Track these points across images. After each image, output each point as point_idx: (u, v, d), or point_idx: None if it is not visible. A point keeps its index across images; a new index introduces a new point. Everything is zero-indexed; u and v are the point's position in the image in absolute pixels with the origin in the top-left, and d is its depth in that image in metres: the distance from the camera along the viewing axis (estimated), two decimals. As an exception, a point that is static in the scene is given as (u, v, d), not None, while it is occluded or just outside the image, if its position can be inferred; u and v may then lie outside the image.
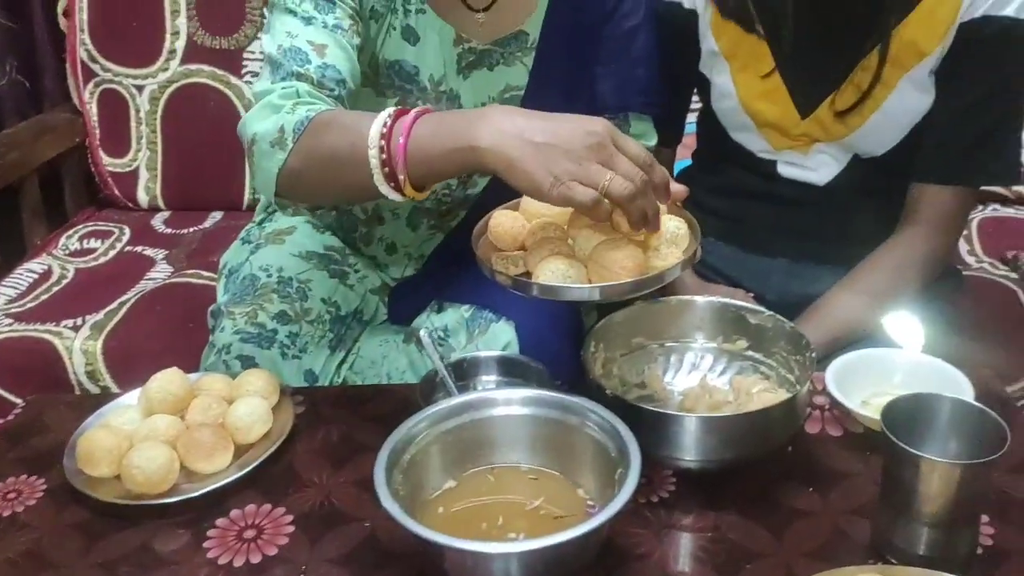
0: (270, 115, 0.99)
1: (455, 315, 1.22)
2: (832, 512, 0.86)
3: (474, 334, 1.18)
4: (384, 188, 0.90)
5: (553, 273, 0.85)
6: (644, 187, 0.82)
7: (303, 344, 1.20)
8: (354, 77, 1.09)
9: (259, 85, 1.05)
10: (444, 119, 0.89)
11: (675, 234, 0.90)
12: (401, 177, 0.89)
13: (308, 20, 1.07)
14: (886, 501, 0.79)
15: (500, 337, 1.16)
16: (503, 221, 0.94)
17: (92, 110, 1.94)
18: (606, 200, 0.82)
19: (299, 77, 1.04)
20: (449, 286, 1.27)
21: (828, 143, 1.21)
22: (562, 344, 1.17)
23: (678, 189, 0.98)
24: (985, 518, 0.82)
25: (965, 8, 1.10)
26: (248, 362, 1.15)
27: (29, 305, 1.59)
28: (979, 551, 0.79)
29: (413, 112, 0.90)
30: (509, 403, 0.86)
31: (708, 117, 1.33)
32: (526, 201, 0.96)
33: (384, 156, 0.88)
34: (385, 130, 0.89)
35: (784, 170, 1.26)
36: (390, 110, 0.91)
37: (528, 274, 0.89)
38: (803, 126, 1.21)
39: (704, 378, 1.02)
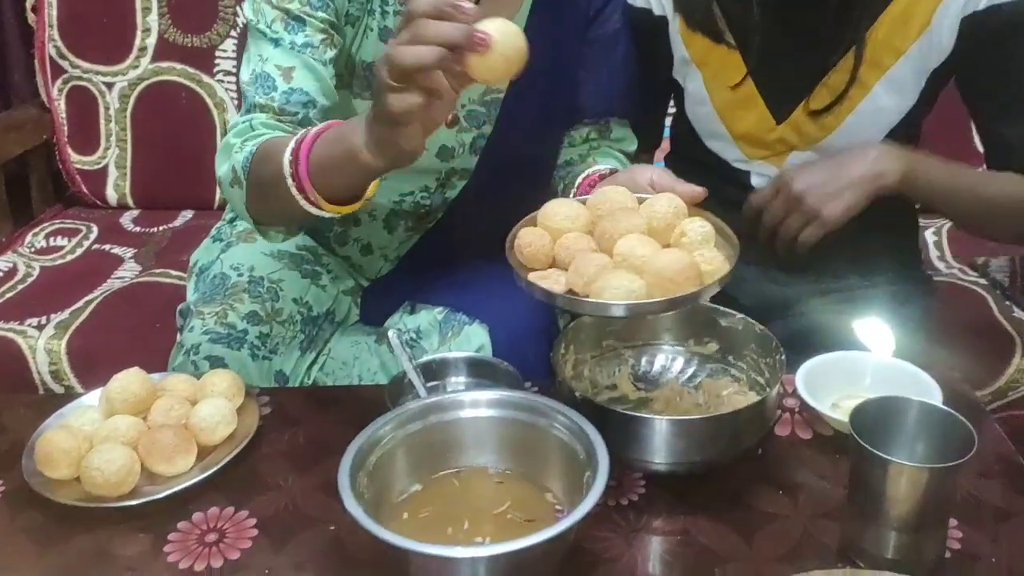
0: (227, 156, 1.03)
1: (428, 317, 1.21)
2: (801, 515, 0.85)
3: (447, 336, 1.17)
4: (313, 210, 0.93)
5: (617, 289, 0.83)
6: (413, 33, 0.75)
7: (274, 345, 1.18)
8: (326, 94, 1.09)
9: (232, 120, 1.10)
10: (338, 133, 0.90)
11: (701, 234, 0.90)
12: (312, 197, 0.92)
13: (276, 42, 1.08)
14: (854, 504, 0.79)
15: (473, 339, 1.15)
16: (532, 240, 0.91)
17: (60, 107, 1.91)
18: (421, 89, 0.77)
19: (261, 108, 1.07)
20: (422, 287, 1.26)
21: (804, 149, 1.21)
22: (536, 347, 1.16)
23: (698, 191, 1.00)
24: (953, 522, 0.81)
25: (964, 3, 1.09)
26: (217, 362, 1.14)
27: (-8, 303, 1.56)
28: (947, 555, 0.79)
29: (314, 131, 0.92)
30: (477, 405, 0.84)
31: (682, 123, 1.32)
32: (544, 215, 0.94)
33: (296, 183, 0.92)
34: (292, 157, 0.92)
35: (757, 181, 1.25)
36: (299, 134, 0.94)
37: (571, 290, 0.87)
38: (779, 131, 1.21)
39: (675, 381, 1.01)
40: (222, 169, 1.04)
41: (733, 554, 0.81)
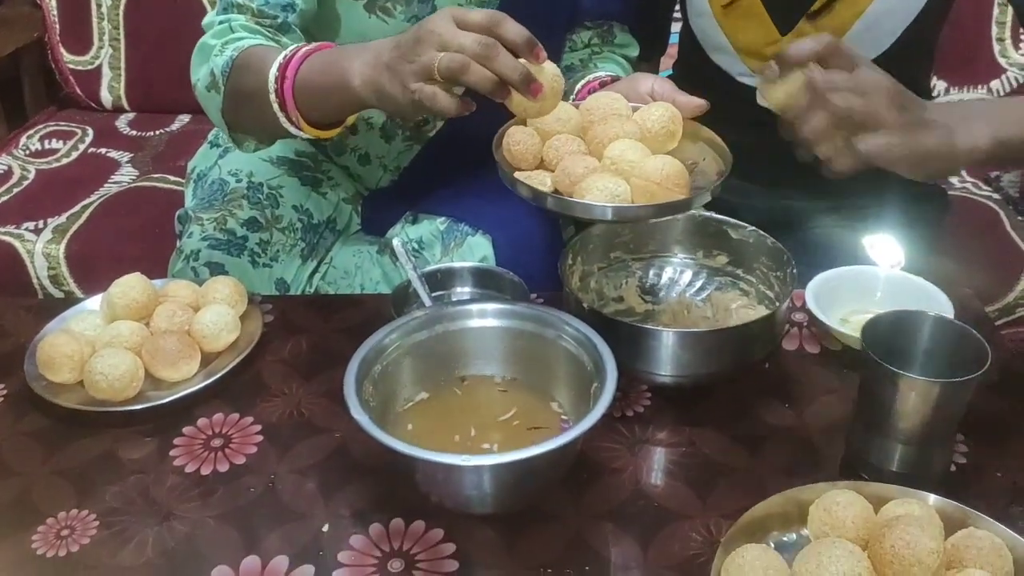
0: (205, 58, 1.01)
1: (430, 227, 1.19)
2: (807, 429, 0.85)
3: (449, 247, 1.16)
4: (292, 129, 0.93)
5: (601, 191, 0.81)
6: (484, 49, 0.77)
7: (274, 252, 1.17)
8: None
9: (206, 18, 1.05)
10: (330, 58, 0.89)
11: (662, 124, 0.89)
12: (293, 117, 0.91)
13: None
14: (862, 418, 0.79)
15: (476, 250, 1.13)
16: (521, 139, 0.89)
17: (51, 3, 1.86)
18: (458, 87, 0.79)
19: (239, 8, 1.04)
20: (424, 198, 1.24)
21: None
22: (539, 258, 1.15)
23: (698, 103, 0.96)
24: (959, 436, 0.81)
25: None
26: (217, 269, 1.12)
27: (-12, 206, 1.54)
28: (952, 468, 0.79)
29: (303, 51, 0.90)
30: (484, 315, 0.83)
31: (687, 34, 1.27)
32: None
33: (279, 99, 0.90)
34: (278, 71, 0.90)
35: (762, 99, 1.21)
36: (288, 50, 0.92)
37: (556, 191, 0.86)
38: (783, 44, 1.16)
39: (682, 293, 1.00)
40: (199, 72, 1.01)
41: (737, 466, 0.81)
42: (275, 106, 0.91)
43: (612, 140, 0.87)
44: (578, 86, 1.17)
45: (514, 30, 0.79)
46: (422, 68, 0.78)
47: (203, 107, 1.03)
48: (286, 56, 0.91)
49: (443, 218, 1.19)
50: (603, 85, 1.13)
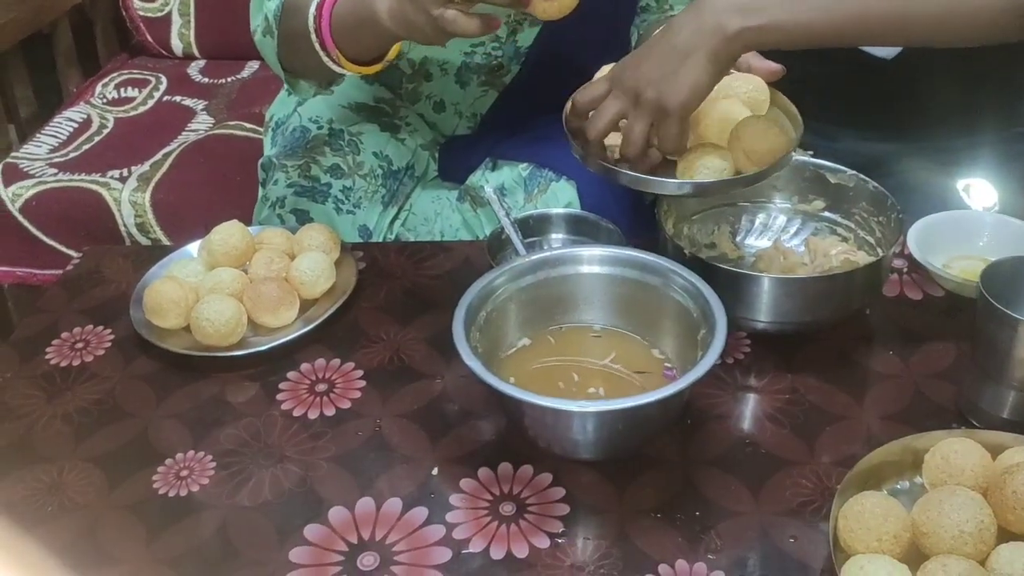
0: (259, 5, 1.02)
1: (512, 173, 1.18)
2: (913, 375, 0.84)
3: (533, 193, 1.15)
4: (335, 67, 0.94)
5: (709, 169, 0.84)
6: None
7: (357, 199, 1.17)
8: None
9: None
10: None
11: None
12: (334, 54, 0.93)
13: None
14: (975, 364, 0.77)
15: (560, 196, 1.12)
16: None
17: (121, -50, 1.85)
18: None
19: None
20: (504, 143, 1.23)
21: None
22: (623, 203, 1.13)
23: (774, 67, 0.94)
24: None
25: None
26: (302, 216, 1.13)
27: (72, 155, 1.56)
28: (1067, 417, 0.78)
29: None
30: (590, 261, 0.83)
31: None
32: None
33: (319, 38, 0.92)
34: (315, 12, 0.92)
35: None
36: None
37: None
38: None
39: (777, 239, 0.99)
40: (256, 19, 1.03)
41: (843, 413, 0.81)
42: (316, 45, 0.93)
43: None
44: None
45: None
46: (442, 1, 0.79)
47: (261, 53, 1.05)
48: None
49: (525, 164, 1.18)
50: None
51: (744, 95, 0.91)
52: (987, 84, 1.17)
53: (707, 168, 0.84)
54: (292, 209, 1.14)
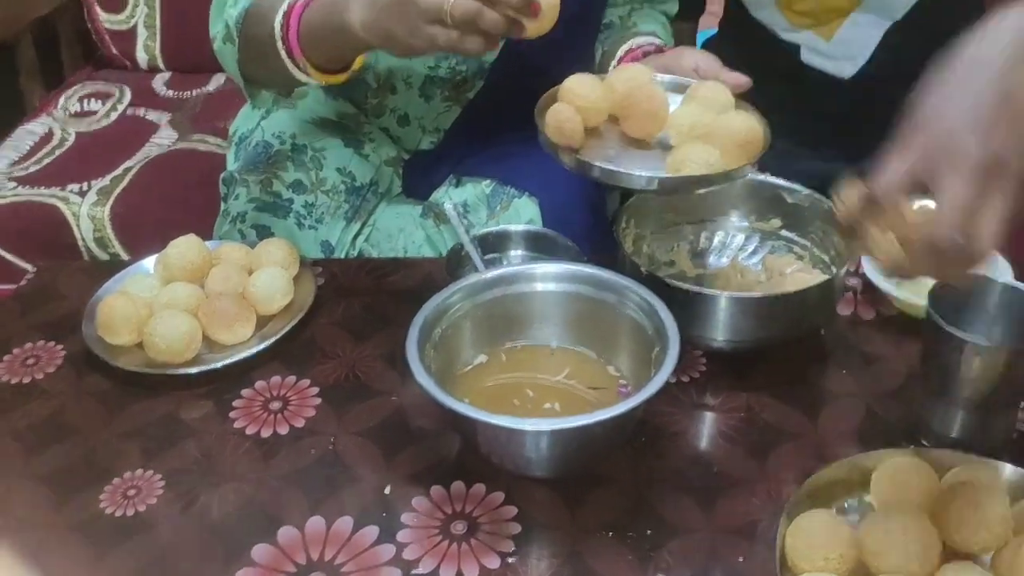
0: (220, 12, 1.02)
1: (475, 190, 1.18)
2: (865, 394, 0.85)
3: (496, 210, 1.15)
4: (299, 75, 0.94)
5: (696, 162, 0.81)
6: None
7: (319, 214, 1.17)
8: None
9: None
10: (329, 2, 0.89)
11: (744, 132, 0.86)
12: (300, 63, 0.93)
13: None
14: (924, 384, 0.78)
15: (523, 213, 1.13)
16: (570, 116, 0.87)
17: (86, -38, 1.84)
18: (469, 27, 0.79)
19: None
20: (467, 160, 1.23)
21: (855, 15, 1.13)
22: (585, 220, 1.14)
23: (740, 79, 0.96)
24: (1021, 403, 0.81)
25: None
26: (264, 231, 1.13)
27: (32, 168, 1.55)
28: (1014, 436, 0.79)
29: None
30: (546, 279, 0.83)
31: None
32: (565, 90, 0.90)
33: (285, 46, 0.92)
34: (283, 19, 0.91)
35: (808, 57, 1.18)
36: None
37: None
38: None
39: (735, 257, 0.99)
40: (216, 26, 1.03)
41: (796, 431, 0.81)
42: (282, 52, 0.92)
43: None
44: (619, 53, 1.15)
45: None
46: (431, 10, 0.78)
47: (220, 61, 1.05)
48: (290, 3, 0.92)
49: (488, 180, 1.19)
50: (646, 55, 1.11)
51: (710, 98, 0.91)
52: None
53: (694, 161, 0.81)
54: (253, 224, 1.13)
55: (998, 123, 0.57)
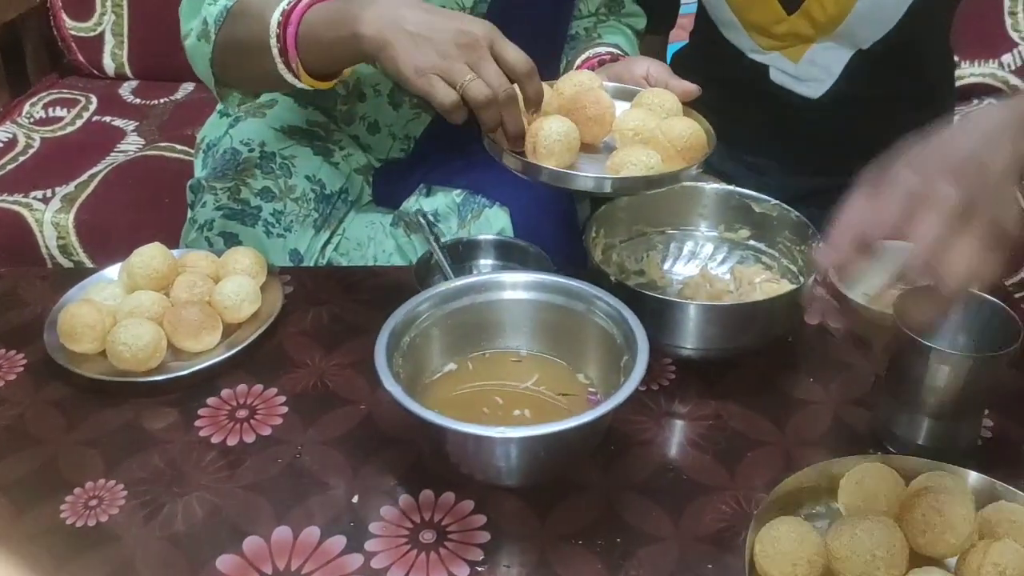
0: (197, 8, 1.00)
1: (446, 199, 1.18)
2: (832, 402, 0.85)
3: (466, 219, 1.15)
4: (288, 76, 0.93)
5: (635, 165, 0.83)
6: (507, 99, 0.82)
7: (288, 223, 1.16)
8: None
9: None
10: (337, 7, 0.89)
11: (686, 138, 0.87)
12: (293, 65, 0.91)
13: None
14: (890, 392, 0.79)
15: (494, 223, 1.12)
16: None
17: (53, -31, 1.82)
18: (464, 104, 0.81)
19: None
20: (437, 169, 1.23)
21: (822, 41, 1.15)
22: (556, 230, 1.14)
23: (690, 87, 0.98)
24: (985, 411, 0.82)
25: None
26: (231, 239, 1.12)
27: (-5, 175, 1.52)
28: (979, 443, 0.80)
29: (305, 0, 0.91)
30: (515, 287, 0.83)
31: (700, 7, 1.26)
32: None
33: (280, 45, 0.90)
34: (282, 18, 0.90)
35: (776, 77, 1.19)
36: None
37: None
38: (790, 22, 1.14)
39: (704, 267, 1.00)
40: (191, 22, 1.01)
41: (765, 438, 0.81)
42: (275, 51, 0.91)
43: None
44: (578, 62, 1.16)
45: (534, 88, 0.85)
46: (449, 73, 0.81)
47: (190, 58, 1.03)
48: (291, 2, 0.91)
49: (459, 190, 1.18)
50: (601, 64, 1.12)
51: (656, 104, 0.92)
52: (908, 122, 1.20)
53: (633, 164, 0.83)
54: (220, 232, 1.12)
55: (971, 176, 0.63)
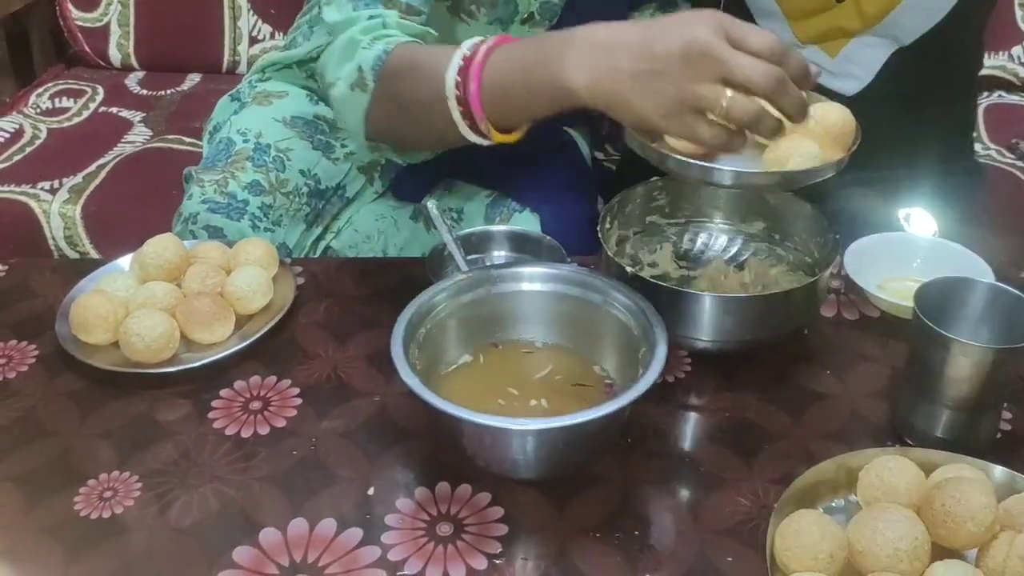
0: (351, 54, 0.90)
1: (473, 198, 1.16)
2: (849, 395, 0.85)
3: (494, 221, 1.13)
4: (473, 138, 0.83)
5: (803, 157, 0.74)
6: (779, 86, 0.69)
7: (277, 217, 1.13)
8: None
9: (335, 13, 0.94)
10: (522, 55, 0.79)
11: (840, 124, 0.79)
12: (483, 127, 0.81)
13: None
14: (909, 384, 0.78)
15: (524, 227, 1.10)
16: None
17: (59, -42, 1.81)
18: (738, 129, 0.71)
19: (387, 3, 0.93)
20: (466, 165, 1.19)
21: (863, 36, 1.13)
22: (586, 237, 1.12)
23: (812, 70, 0.87)
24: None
25: None
26: (215, 233, 1.09)
27: (2, 166, 1.52)
28: (998, 435, 0.79)
29: (484, 48, 0.80)
30: (531, 279, 0.82)
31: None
32: None
33: (462, 107, 0.81)
34: (459, 76, 0.80)
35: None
36: (466, 49, 0.81)
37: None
38: (836, 12, 1.11)
39: (718, 259, 0.99)
40: (343, 69, 0.90)
41: (783, 431, 0.81)
42: (456, 113, 0.81)
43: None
44: None
45: (797, 61, 0.71)
46: (699, 103, 0.70)
47: (338, 110, 0.94)
48: (465, 56, 0.81)
49: (488, 191, 1.16)
50: None
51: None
52: (927, 120, 1.20)
53: (800, 156, 0.74)
54: (205, 226, 1.09)
55: None
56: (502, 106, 0.80)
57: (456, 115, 0.81)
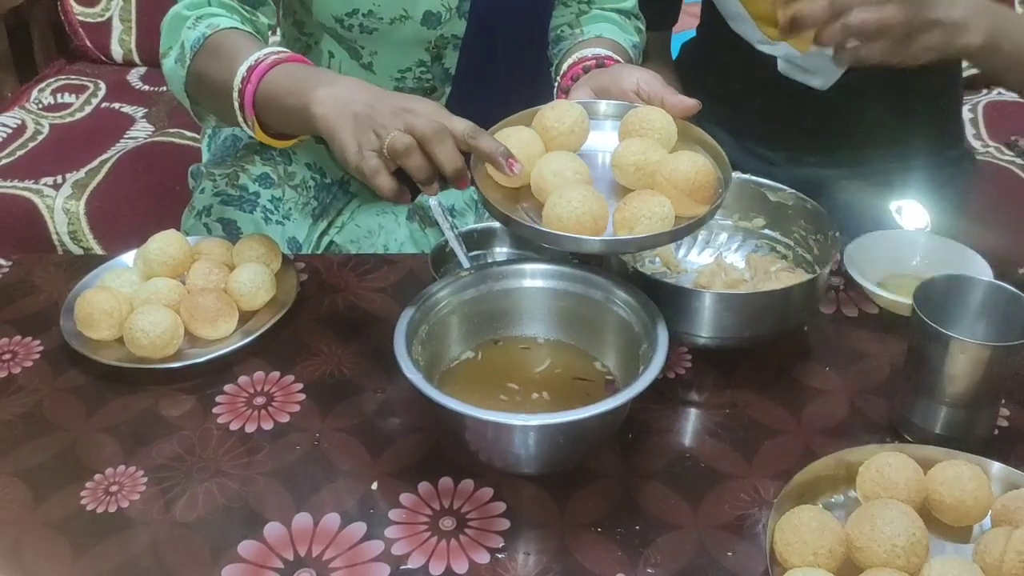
0: (177, 31, 0.98)
1: (464, 194, 1.17)
2: (848, 391, 0.85)
3: (484, 215, 1.14)
4: (247, 129, 0.93)
5: (649, 219, 0.75)
6: (433, 133, 0.76)
7: (286, 210, 1.14)
8: None
9: None
10: (297, 74, 0.88)
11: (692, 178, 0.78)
12: (249, 122, 0.91)
13: None
14: (908, 380, 0.79)
15: None
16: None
17: (60, -46, 1.82)
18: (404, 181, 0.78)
19: None
20: None
21: None
22: None
23: (688, 103, 0.88)
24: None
25: None
26: (229, 225, 1.10)
27: (5, 161, 1.52)
28: (995, 432, 0.80)
29: (271, 59, 0.89)
30: (533, 275, 0.83)
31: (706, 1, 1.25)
32: (543, 116, 0.84)
33: (239, 100, 0.90)
34: (247, 73, 0.89)
35: (784, 68, 1.19)
36: (261, 53, 0.90)
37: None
38: None
39: (719, 255, 1.00)
40: (170, 41, 0.99)
41: (782, 427, 0.81)
42: (235, 104, 0.90)
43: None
44: (564, 67, 1.09)
45: (488, 144, 0.78)
46: (380, 141, 0.78)
47: (167, 78, 1.02)
48: (257, 59, 0.90)
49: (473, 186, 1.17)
50: (586, 71, 1.04)
51: (659, 130, 0.84)
52: (917, 112, 1.20)
53: (647, 218, 0.75)
54: (218, 218, 1.10)
55: None
56: (268, 113, 0.90)
57: (236, 105, 0.91)
